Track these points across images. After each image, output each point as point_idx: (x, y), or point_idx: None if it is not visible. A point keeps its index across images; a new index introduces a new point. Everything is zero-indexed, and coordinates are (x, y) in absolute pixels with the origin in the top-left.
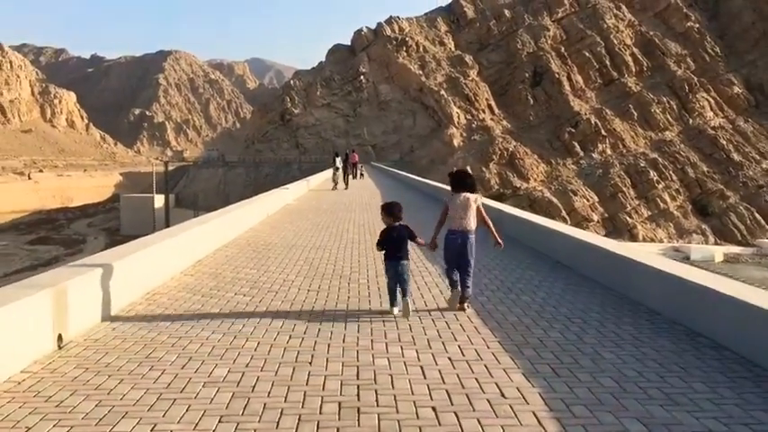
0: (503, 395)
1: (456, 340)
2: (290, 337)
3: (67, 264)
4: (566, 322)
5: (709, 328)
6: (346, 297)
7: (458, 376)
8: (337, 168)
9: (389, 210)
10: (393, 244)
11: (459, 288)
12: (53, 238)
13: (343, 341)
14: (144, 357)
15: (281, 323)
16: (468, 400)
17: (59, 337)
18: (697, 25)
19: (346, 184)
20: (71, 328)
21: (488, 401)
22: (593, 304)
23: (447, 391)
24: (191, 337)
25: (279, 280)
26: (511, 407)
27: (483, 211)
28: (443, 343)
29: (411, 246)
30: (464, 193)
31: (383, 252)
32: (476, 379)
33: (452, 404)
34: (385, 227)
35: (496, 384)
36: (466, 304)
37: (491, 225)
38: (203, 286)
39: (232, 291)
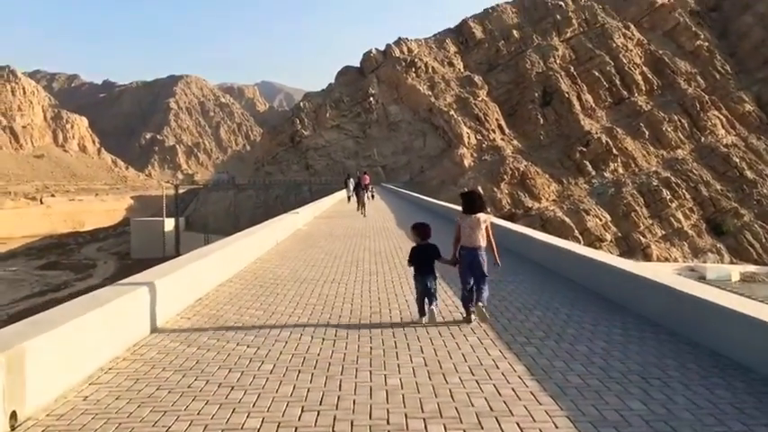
0: None
1: (513, 415)
2: (301, 410)
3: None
4: (642, 384)
5: None
6: (368, 349)
7: None
8: (350, 191)
9: (420, 230)
10: (422, 261)
11: (474, 301)
12: (63, 263)
13: (370, 416)
14: None
15: (290, 389)
16: None
17: (12, 415)
18: (706, 43)
19: (364, 212)
20: (28, 403)
21: None
22: (666, 357)
23: None
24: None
25: (289, 324)
26: None
27: (491, 231)
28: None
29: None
30: (475, 214)
31: (412, 268)
32: None
33: None
34: (415, 245)
35: None
36: (483, 309)
37: (494, 245)
38: (199, 335)
39: (234, 340)
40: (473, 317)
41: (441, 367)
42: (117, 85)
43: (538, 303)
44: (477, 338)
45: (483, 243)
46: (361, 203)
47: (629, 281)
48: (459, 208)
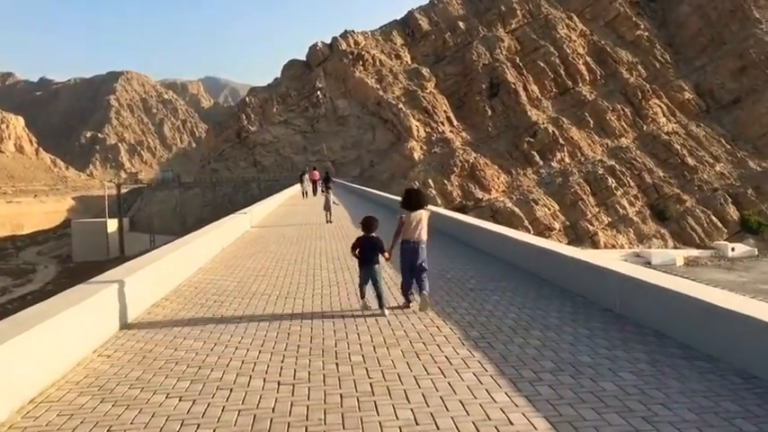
0: None
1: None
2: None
3: None
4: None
5: None
6: (337, 399)
7: None
8: (305, 187)
9: (367, 223)
10: (366, 250)
11: (419, 291)
12: (0, 269)
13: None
14: None
15: None
16: None
17: None
18: (646, 33)
19: (330, 217)
20: (1, 407)
21: None
22: (719, 397)
23: None
24: None
25: (235, 361)
26: None
27: (429, 224)
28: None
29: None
30: (417, 211)
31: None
32: None
33: None
34: (361, 236)
35: None
36: (427, 298)
37: (428, 236)
38: (118, 383)
39: (163, 390)
40: (412, 304)
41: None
42: (54, 82)
43: (533, 321)
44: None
45: (424, 237)
46: (327, 209)
47: (634, 287)
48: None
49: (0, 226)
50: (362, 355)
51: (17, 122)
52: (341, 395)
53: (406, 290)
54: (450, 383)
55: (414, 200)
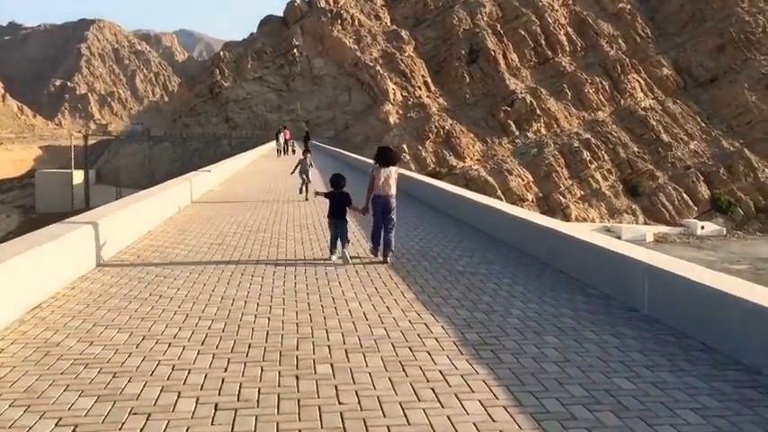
0: None
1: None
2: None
3: None
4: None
5: None
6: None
7: None
8: (280, 145)
9: (335, 181)
10: (336, 206)
11: (382, 245)
12: None
13: None
14: None
15: None
16: None
17: None
18: (629, 6)
19: (305, 193)
20: None
21: None
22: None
23: None
24: None
25: (165, 366)
26: None
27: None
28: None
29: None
30: (389, 167)
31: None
32: None
33: None
34: (331, 190)
35: None
36: (389, 258)
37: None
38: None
39: (59, 405)
40: (379, 253)
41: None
42: (23, 27)
43: (532, 311)
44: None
45: (395, 191)
46: (304, 181)
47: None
48: (365, 159)
49: None
50: (330, 360)
51: None
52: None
53: (376, 238)
54: (452, 421)
55: (387, 156)
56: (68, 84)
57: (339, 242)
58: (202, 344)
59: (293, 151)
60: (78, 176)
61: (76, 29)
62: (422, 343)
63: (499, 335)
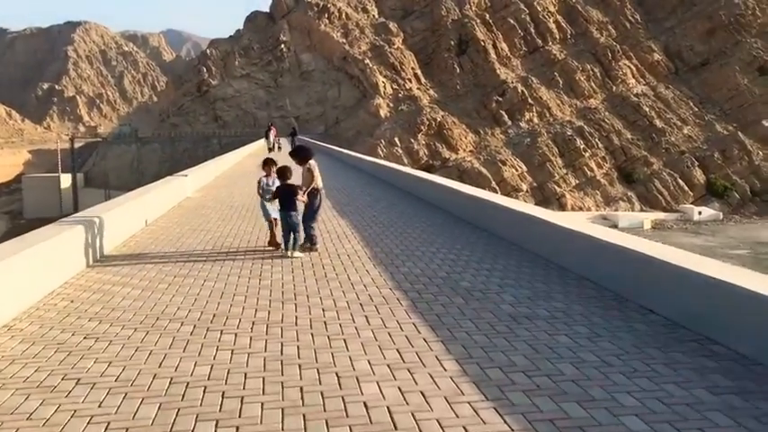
0: None
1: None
2: None
3: None
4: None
5: None
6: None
7: None
8: (271, 143)
9: (282, 173)
10: (284, 198)
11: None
12: None
13: None
14: None
15: None
16: None
17: None
18: None
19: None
20: None
21: None
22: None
23: None
24: None
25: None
26: None
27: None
28: None
29: None
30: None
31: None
32: None
33: None
34: (279, 185)
35: None
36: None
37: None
38: None
39: None
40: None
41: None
42: (9, 31)
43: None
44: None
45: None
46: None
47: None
48: (371, 158)
49: None
50: None
51: None
52: None
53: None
54: None
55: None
56: (56, 87)
57: (292, 235)
58: None
59: (279, 148)
60: (66, 180)
61: (63, 31)
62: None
63: None
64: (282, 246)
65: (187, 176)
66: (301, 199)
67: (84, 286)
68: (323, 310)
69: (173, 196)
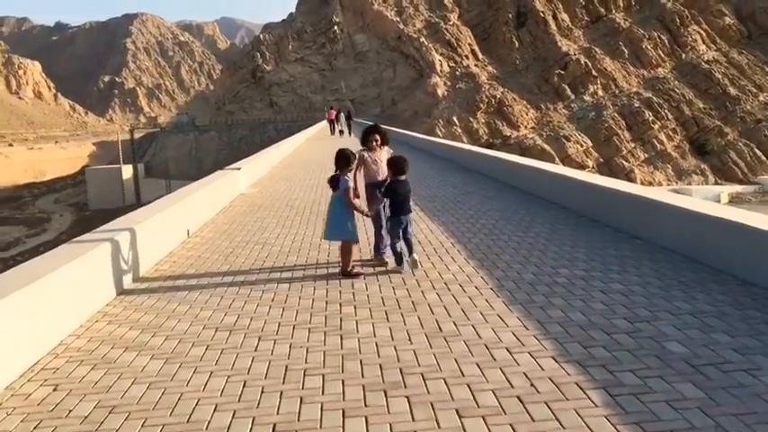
0: None
1: None
2: None
3: None
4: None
5: None
6: None
7: None
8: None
9: (397, 165)
10: (399, 199)
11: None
12: (16, 218)
13: None
14: None
15: None
16: None
17: None
18: None
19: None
20: None
21: None
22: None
23: None
24: None
25: None
26: None
27: None
28: None
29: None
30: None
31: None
32: None
33: None
34: (391, 180)
35: None
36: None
37: None
38: None
39: None
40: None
41: None
42: (70, 26)
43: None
44: None
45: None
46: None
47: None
48: (443, 140)
49: (23, 173)
50: None
51: (34, 68)
52: None
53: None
54: None
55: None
56: (117, 79)
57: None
58: None
59: (341, 132)
60: (127, 171)
61: (120, 24)
62: None
63: None
64: (394, 263)
65: (240, 169)
66: (365, 212)
67: (75, 358)
68: (459, 417)
69: (223, 195)
